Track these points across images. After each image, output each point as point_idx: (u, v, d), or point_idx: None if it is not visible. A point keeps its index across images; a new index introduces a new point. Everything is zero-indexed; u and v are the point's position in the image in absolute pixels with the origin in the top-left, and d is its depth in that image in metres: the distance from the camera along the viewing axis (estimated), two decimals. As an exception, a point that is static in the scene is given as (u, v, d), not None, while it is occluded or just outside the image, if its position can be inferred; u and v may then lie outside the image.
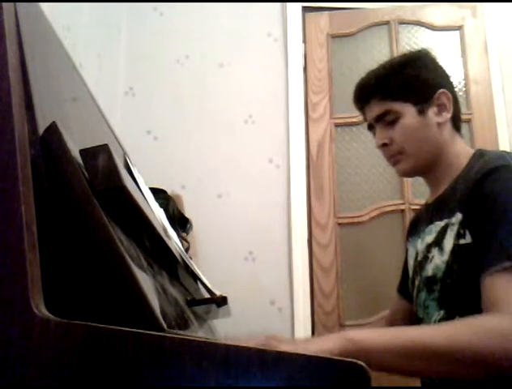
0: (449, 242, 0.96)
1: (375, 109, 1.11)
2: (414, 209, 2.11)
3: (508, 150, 2.25)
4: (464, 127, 2.31)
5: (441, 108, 1.09)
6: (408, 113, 1.08)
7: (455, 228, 0.95)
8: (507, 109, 2.32)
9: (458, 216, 0.95)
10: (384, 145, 1.11)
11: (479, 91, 2.36)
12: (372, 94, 1.12)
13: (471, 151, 1.06)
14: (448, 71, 1.16)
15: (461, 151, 1.08)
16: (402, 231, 2.19)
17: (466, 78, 2.38)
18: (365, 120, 1.17)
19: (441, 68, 1.15)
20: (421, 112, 1.08)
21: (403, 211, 2.23)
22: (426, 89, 1.09)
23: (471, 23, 2.45)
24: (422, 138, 1.08)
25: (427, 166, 1.10)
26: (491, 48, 2.40)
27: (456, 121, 1.12)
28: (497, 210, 0.87)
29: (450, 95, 1.09)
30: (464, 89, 2.37)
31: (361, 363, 0.43)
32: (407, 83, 1.09)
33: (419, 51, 1.17)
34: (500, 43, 2.41)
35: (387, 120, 1.09)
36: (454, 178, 1.03)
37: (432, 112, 1.08)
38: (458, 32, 2.45)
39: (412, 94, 1.08)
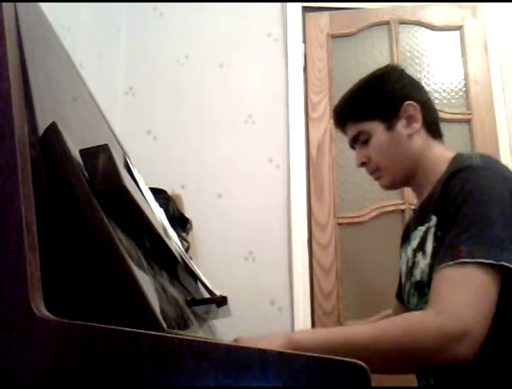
0: (430, 245, 0.98)
1: (350, 132, 1.17)
2: (414, 209, 2.11)
3: (508, 150, 2.25)
4: (464, 127, 2.33)
5: (410, 119, 1.11)
6: (377, 130, 1.11)
7: (433, 230, 0.97)
8: (507, 109, 2.32)
9: (434, 219, 0.97)
10: (363, 164, 1.17)
11: (479, 91, 2.35)
12: (345, 118, 1.17)
13: (451, 156, 1.06)
14: (418, 79, 1.20)
15: (439, 157, 1.08)
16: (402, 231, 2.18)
17: (466, 78, 2.38)
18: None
19: (407, 80, 1.17)
20: (390, 127, 1.11)
21: (403, 211, 2.22)
22: (391, 104, 1.12)
23: (471, 23, 2.45)
24: (394, 153, 1.11)
25: (407, 177, 1.13)
26: (491, 48, 2.39)
27: (431, 128, 1.13)
28: (452, 212, 0.90)
29: (416, 105, 1.11)
30: (464, 89, 2.37)
31: (361, 363, 0.43)
32: (372, 101, 1.13)
33: (384, 67, 1.20)
34: (500, 43, 2.41)
35: (361, 140, 1.14)
36: (434, 184, 1.04)
37: (401, 125, 1.11)
38: (458, 32, 2.45)
39: (378, 111, 1.12)
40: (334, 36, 2.48)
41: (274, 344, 0.80)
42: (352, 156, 2.33)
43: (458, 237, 0.87)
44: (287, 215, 2.24)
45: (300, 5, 2.50)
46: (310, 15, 2.51)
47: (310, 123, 2.37)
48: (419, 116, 1.11)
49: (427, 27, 2.47)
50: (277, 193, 2.27)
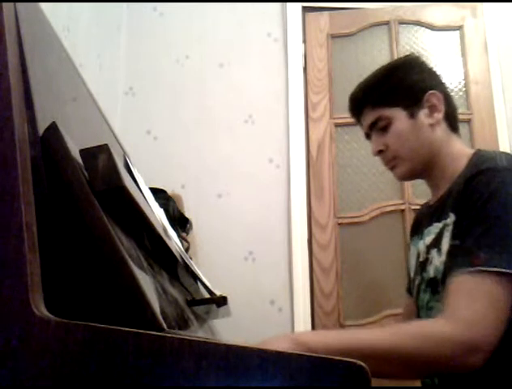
0: (446, 243, 0.97)
1: (368, 118, 1.13)
2: (414, 209, 2.11)
3: (508, 150, 2.25)
4: (464, 127, 2.33)
5: (432, 109, 1.09)
6: (399, 117, 1.09)
7: (450, 228, 0.97)
8: (507, 109, 2.32)
9: (452, 217, 0.97)
10: (380, 152, 1.13)
11: (479, 91, 2.35)
12: (363, 104, 1.14)
13: (470, 152, 1.05)
14: (439, 72, 1.17)
15: (459, 152, 1.07)
16: (402, 231, 2.19)
17: (466, 78, 2.38)
18: (363, 129, 1.19)
19: (429, 70, 1.15)
20: (412, 115, 1.08)
21: (403, 211, 2.22)
22: (414, 92, 1.10)
23: (471, 23, 2.45)
24: (415, 141, 1.08)
25: (424, 169, 1.11)
26: (491, 48, 2.40)
27: (451, 121, 1.12)
28: (473, 213, 0.90)
29: (440, 95, 1.10)
30: (464, 89, 2.37)
31: (361, 363, 0.43)
32: (395, 88, 1.10)
33: (406, 56, 1.19)
34: (500, 43, 2.41)
35: (380, 126, 1.11)
36: (453, 180, 1.03)
37: (423, 114, 1.09)
38: (458, 32, 2.45)
39: (401, 98, 1.09)
40: (334, 36, 2.48)
41: (279, 347, 0.77)
42: (351, 156, 2.35)
43: (477, 242, 0.86)
44: (287, 215, 2.24)
45: (300, 5, 2.50)
46: (310, 15, 2.51)
47: (310, 123, 2.37)
48: (441, 107, 1.09)
49: (427, 27, 2.47)
50: (277, 193, 2.27)
